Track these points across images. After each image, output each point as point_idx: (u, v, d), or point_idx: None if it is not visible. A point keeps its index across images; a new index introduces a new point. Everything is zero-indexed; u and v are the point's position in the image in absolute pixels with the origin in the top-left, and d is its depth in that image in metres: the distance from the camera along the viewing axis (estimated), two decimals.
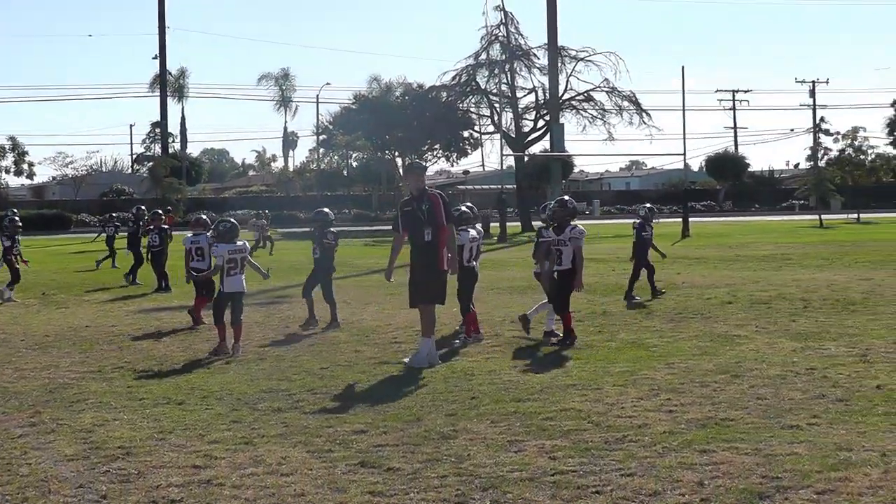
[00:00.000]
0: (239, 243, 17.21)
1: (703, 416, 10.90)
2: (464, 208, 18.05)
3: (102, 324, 20.87)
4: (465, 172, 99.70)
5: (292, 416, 11.46)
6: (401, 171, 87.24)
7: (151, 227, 31.19)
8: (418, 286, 15.64)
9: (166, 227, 31.52)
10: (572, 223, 16.75)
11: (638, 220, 24.43)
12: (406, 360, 15.12)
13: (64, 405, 12.45)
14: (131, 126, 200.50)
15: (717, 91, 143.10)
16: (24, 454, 10.00)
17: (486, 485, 8.50)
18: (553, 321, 17.43)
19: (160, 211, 33.41)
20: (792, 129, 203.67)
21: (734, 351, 15.35)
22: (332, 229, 21.27)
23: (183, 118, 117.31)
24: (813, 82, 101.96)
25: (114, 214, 33.48)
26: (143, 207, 36.98)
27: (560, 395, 12.35)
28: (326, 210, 22.34)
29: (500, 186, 76.04)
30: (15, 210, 35.65)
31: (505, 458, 9.35)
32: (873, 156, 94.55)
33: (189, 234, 19.76)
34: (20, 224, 31.56)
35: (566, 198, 17.45)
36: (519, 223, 76.56)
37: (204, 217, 19.79)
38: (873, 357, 14.40)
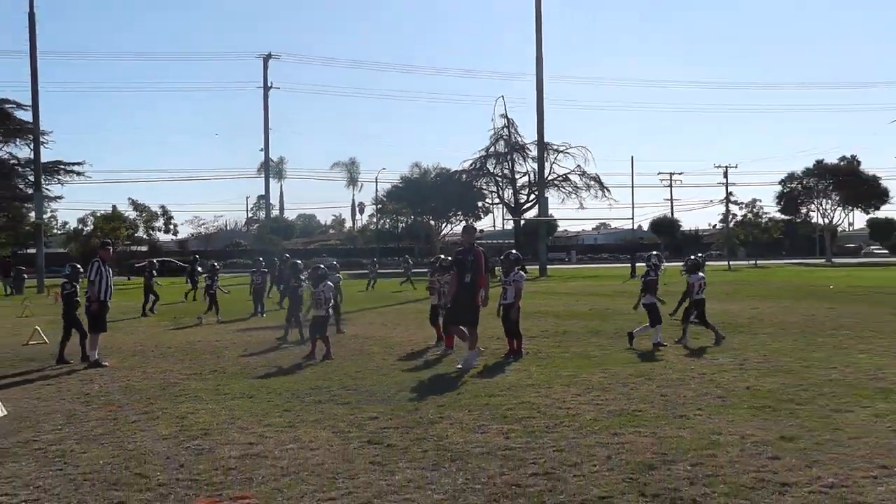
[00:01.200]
0: (328, 283, 17.38)
1: (620, 408, 10.86)
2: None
3: (210, 340, 20.86)
4: (481, 231, 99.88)
5: (327, 407, 11.46)
6: (435, 230, 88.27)
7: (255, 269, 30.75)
8: (457, 313, 15.89)
9: (265, 270, 31.29)
10: (517, 269, 16.65)
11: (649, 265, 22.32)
12: (458, 366, 15.00)
13: (169, 398, 12.49)
14: (247, 198, 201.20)
15: (659, 173, 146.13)
16: (133, 434, 10.06)
17: (454, 456, 8.53)
18: (659, 335, 17.40)
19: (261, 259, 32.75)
20: (711, 201, 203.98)
21: (652, 361, 15.26)
22: (302, 276, 21.07)
23: (281, 192, 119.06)
24: (726, 167, 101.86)
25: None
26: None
27: (521, 391, 12.30)
28: (298, 262, 22.86)
29: (502, 241, 76.85)
30: (215, 263, 35.07)
31: (472, 438, 9.36)
32: (766, 219, 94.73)
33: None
34: (219, 268, 31.98)
35: (512, 252, 17.30)
36: None
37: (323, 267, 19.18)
38: (748, 366, 14.32)
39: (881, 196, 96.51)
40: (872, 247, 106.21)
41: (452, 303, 16.09)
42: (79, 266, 18.40)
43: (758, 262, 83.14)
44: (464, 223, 71.89)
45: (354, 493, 7.31)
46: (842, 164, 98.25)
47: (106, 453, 9.14)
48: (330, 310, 17.30)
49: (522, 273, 16.97)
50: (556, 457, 8.44)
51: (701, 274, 18.46)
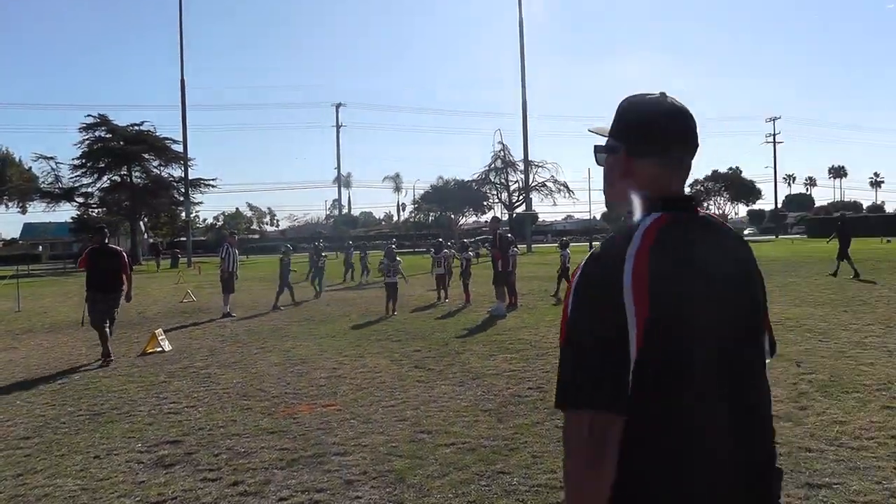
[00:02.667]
0: (397, 260, 16.80)
1: None
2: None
3: (300, 299, 20.61)
4: (487, 221, 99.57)
5: (385, 343, 11.41)
6: (454, 222, 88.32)
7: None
8: (494, 278, 15.89)
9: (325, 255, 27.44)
10: (512, 247, 16.27)
11: None
12: (489, 310, 15.05)
13: (277, 338, 12.48)
14: (325, 201, 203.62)
15: None
16: (254, 362, 10.07)
17: (474, 376, 8.46)
18: None
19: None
20: None
21: None
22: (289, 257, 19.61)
23: (349, 197, 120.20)
24: None
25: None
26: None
27: (517, 332, 12.16)
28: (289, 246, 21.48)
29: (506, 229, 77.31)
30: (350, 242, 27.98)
31: (486, 363, 9.29)
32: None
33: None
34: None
35: (509, 234, 16.88)
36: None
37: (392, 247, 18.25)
38: None
39: (756, 194, 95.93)
40: (747, 230, 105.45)
41: (494, 270, 15.98)
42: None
43: None
44: (492, 215, 71.55)
45: (407, 402, 7.30)
46: (730, 172, 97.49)
47: (237, 375, 9.16)
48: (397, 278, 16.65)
49: (516, 249, 16.79)
50: (544, 376, 8.34)
51: (568, 251, 19.04)
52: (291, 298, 18.83)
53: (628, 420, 1.43)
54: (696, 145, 1.71)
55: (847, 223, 23.75)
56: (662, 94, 1.71)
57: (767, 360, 1.69)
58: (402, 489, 4.84)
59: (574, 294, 1.51)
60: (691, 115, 1.70)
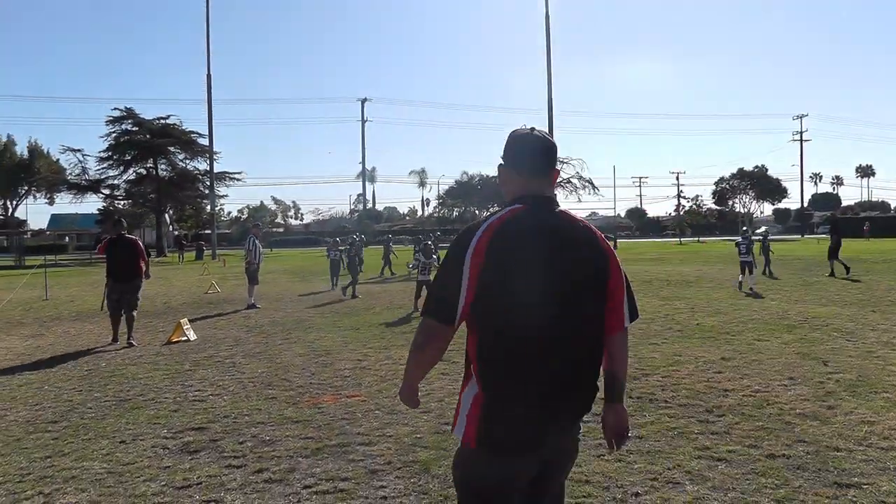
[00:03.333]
0: (433, 257, 16.21)
1: None
2: None
3: (326, 291, 20.80)
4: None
5: (410, 335, 11.37)
6: (478, 217, 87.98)
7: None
8: None
9: (342, 249, 27.45)
10: None
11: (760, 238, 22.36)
12: None
13: (302, 329, 12.52)
14: (349, 195, 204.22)
15: (632, 177, 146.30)
16: (279, 353, 10.11)
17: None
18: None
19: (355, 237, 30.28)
20: (667, 197, 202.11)
21: None
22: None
23: (374, 191, 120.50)
24: (678, 173, 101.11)
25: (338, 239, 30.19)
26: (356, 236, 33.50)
27: None
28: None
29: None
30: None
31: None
32: (705, 209, 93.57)
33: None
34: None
35: None
36: None
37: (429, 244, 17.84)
38: (697, 309, 14.01)
39: (782, 193, 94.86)
40: (761, 228, 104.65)
41: None
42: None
43: (700, 238, 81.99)
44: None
45: (431, 394, 7.28)
46: (755, 170, 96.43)
47: (262, 365, 9.21)
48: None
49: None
50: None
51: None
52: (352, 291, 19.01)
53: (477, 337, 2.43)
54: (549, 162, 2.62)
55: (837, 223, 24.09)
56: (532, 128, 2.64)
57: (627, 325, 2.68)
58: (426, 479, 4.84)
59: (446, 254, 2.46)
60: (547, 141, 2.62)
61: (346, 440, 5.74)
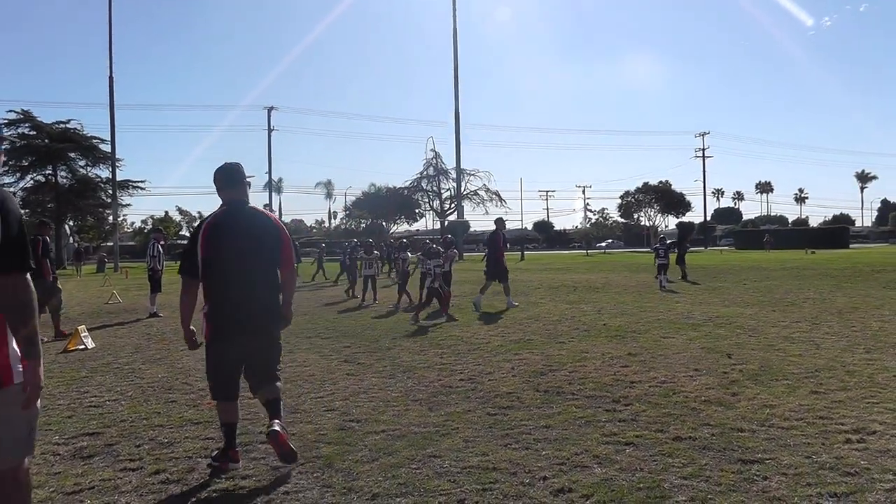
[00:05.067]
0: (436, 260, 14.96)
1: (518, 338, 10.73)
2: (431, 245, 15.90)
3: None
4: (416, 230, 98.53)
5: (315, 340, 11.19)
6: (386, 229, 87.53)
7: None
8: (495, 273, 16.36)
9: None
10: (453, 249, 15.86)
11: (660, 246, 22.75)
12: (474, 301, 15.79)
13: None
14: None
15: (539, 191, 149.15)
16: (180, 359, 9.79)
17: (405, 369, 8.37)
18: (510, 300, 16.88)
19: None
20: (574, 210, 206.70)
21: (538, 308, 15.11)
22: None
23: (280, 203, 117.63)
24: (584, 187, 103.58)
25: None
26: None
27: (449, 329, 12.16)
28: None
29: (432, 236, 77.24)
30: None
31: (417, 357, 9.21)
32: (611, 222, 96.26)
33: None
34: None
35: (449, 236, 16.86)
36: None
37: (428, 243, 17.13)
38: (603, 311, 14.27)
39: (686, 207, 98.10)
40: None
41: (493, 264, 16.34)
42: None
43: (607, 250, 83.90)
44: (453, 221, 71.04)
45: (336, 393, 7.14)
46: (660, 185, 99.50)
47: (162, 370, 8.88)
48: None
49: (455, 251, 16.53)
50: (475, 368, 8.31)
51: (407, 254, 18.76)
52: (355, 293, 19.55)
53: (205, 282, 4.79)
54: (238, 180, 4.93)
55: (687, 230, 27.31)
56: (227, 163, 4.94)
57: (295, 266, 5.10)
58: (329, 473, 4.69)
59: (190, 236, 4.78)
60: (234, 167, 4.96)
61: (249, 439, 5.55)
